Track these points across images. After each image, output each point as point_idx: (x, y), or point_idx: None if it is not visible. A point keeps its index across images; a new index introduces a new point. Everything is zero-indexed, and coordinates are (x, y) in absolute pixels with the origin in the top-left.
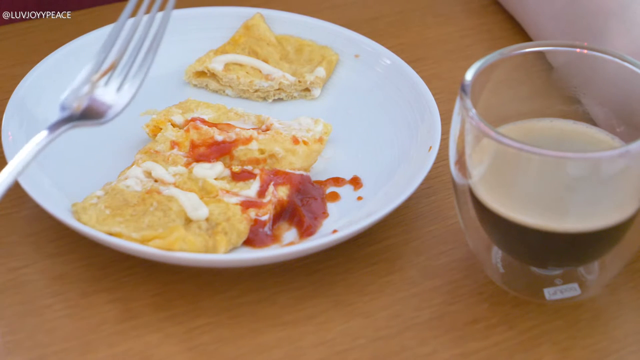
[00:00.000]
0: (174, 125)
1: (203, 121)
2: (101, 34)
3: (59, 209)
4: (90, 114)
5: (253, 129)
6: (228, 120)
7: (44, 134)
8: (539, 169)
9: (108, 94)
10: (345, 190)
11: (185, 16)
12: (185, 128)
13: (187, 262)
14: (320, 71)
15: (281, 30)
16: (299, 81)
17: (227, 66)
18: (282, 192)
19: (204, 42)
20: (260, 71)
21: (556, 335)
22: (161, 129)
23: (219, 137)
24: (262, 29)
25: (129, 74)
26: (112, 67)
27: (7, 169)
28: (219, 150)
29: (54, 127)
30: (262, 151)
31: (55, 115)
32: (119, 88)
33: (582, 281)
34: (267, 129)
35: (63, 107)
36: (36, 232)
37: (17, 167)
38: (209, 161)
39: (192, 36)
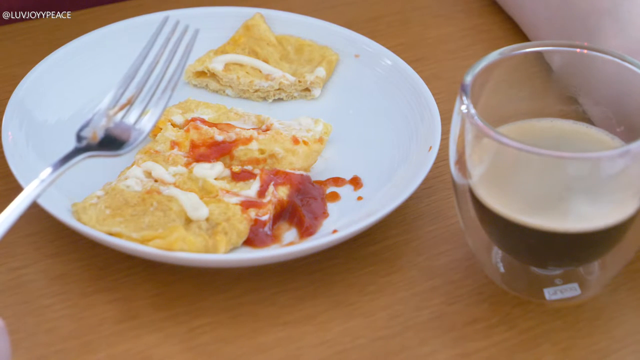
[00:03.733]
0: (174, 125)
1: (203, 121)
2: (101, 33)
3: (59, 209)
4: (107, 145)
5: (253, 129)
6: (228, 120)
7: (48, 171)
8: (539, 169)
9: (125, 126)
10: (345, 190)
11: (185, 16)
12: (185, 128)
13: (187, 262)
14: (321, 71)
15: (281, 30)
16: (299, 81)
17: (227, 66)
18: (282, 192)
19: (204, 42)
20: (260, 71)
21: (556, 335)
22: (161, 129)
23: (219, 137)
24: (262, 29)
25: (147, 106)
26: (130, 102)
27: (13, 204)
28: (219, 150)
29: (69, 156)
30: (262, 151)
31: (55, 116)
32: (136, 121)
33: (582, 281)
34: (267, 129)
35: (79, 138)
36: (36, 232)
37: (25, 202)
38: (209, 161)
39: None
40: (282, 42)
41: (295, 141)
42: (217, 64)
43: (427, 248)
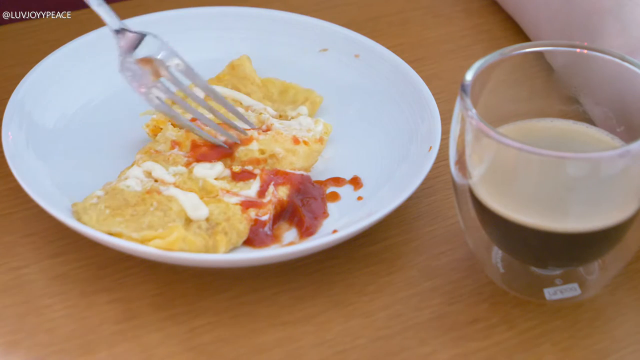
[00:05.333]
0: (174, 125)
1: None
2: (101, 34)
3: (59, 209)
4: None
5: (253, 129)
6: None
7: None
8: (539, 169)
9: None
10: (345, 190)
11: (186, 16)
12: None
13: (187, 262)
14: (303, 110)
15: (281, 30)
16: (280, 116)
17: (208, 97)
18: (282, 192)
19: (205, 42)
20: (241, 103)
21: (556, 335)
22: (161, 128)
23: (221, 138)
24: (248, 70)
25: None
26: None
27: None
28: (220, 151)
29: None
30: (262, 151)
31: (55, 116)
32: None
33: (582, 281)
34: (268, 129)
35: None
36: (36, 232)
37: None
38: (210, 161)
39: (192, 35)
40: (267, 84)
41: (296, 141)
42: (198, 94)
43: (427, 248)
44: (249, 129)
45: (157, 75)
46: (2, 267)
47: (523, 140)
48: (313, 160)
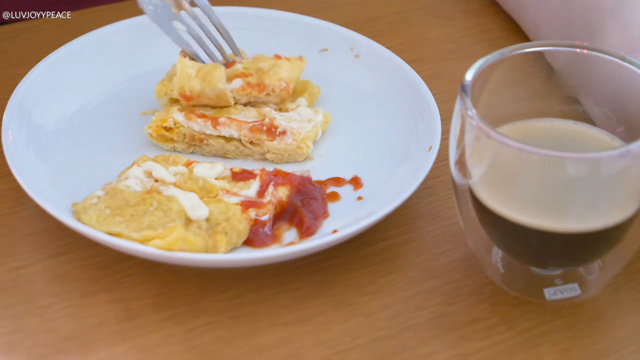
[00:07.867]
0: (175, 123)
1: (203, 115)
2: (101, 34)
3: (59, 209)
4: None
5: (255, 121)
6: (229, 114)
7: None
8: (539, 169)
9: None
10: (345, 190)
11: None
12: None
13: (187, 262)
14: (302, 101)
15: (281, 30)
16: (280, 108)
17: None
18: (282, 193)
19: None
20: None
21: (556, 335)
22: (164, 128)
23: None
24: None
25: None
26: None
27: None
28: None
29: None
30: (246, 68)
31: (55, 116)
32: None
33: (582, 281)
34: (271, 123)
35: None
36: (36, 232)
37: None
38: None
39: None
40: None
41: (277, 57)
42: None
43: (427, 248)
44: (250, 122)
45: (180, 7)
46: (2, 267)
47: (523, 140)
48: (298, 73)
